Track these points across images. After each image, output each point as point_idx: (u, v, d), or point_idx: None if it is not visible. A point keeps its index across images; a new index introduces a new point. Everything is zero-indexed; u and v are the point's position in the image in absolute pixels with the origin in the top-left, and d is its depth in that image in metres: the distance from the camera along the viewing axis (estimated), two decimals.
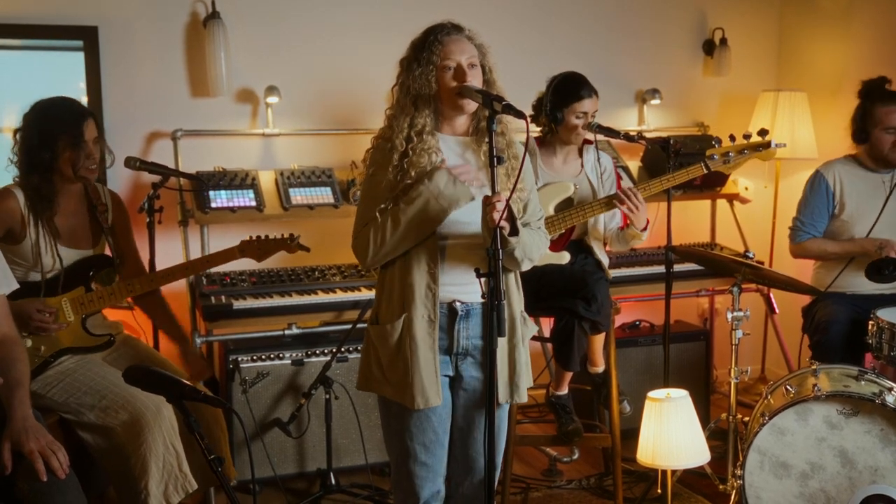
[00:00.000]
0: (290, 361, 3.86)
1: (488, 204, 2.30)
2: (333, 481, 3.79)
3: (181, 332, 3.46)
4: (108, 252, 3.35)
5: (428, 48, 2.43)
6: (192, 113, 4.22)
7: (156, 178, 3.69)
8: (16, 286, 2.72)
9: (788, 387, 3.17)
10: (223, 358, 3.82)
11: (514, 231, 2.37)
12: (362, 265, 2.52)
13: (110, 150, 3.32)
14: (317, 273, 3.98)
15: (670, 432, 3.14)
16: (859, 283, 3.83)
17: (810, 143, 4.76)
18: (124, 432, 2.93)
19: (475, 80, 2.43)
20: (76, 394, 3.01)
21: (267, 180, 4.15)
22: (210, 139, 4.26)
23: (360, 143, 4.25)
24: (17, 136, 3.14)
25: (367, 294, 3.83)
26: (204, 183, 3.95)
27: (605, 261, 3.58)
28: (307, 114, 4.40)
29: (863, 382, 3.15)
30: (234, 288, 3.82)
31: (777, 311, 4.82)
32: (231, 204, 3.98)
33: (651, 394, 3.24)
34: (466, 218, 2.43)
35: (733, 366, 3.40)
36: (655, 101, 4.90)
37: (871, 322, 3.42)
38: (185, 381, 2.26)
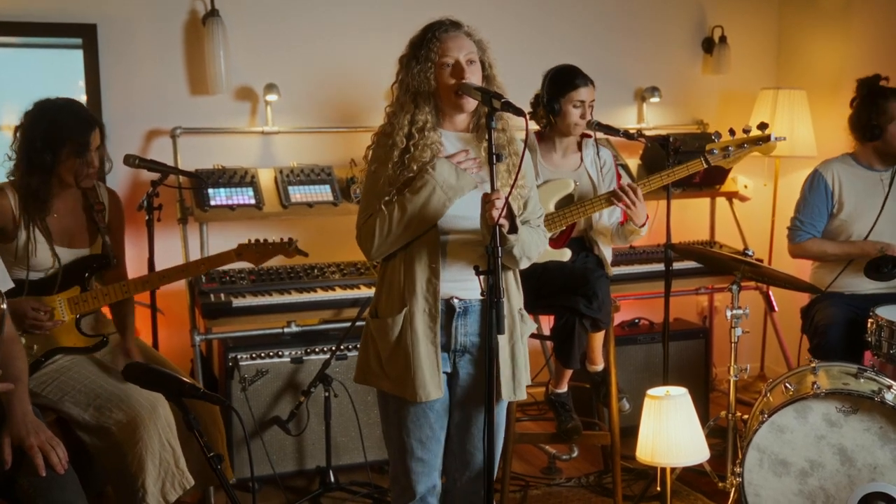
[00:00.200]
0: (289, 359, 3.86)
1: (487, 201, 2.30)
2: (333, 479, 3.79)
3: (129, 328, 3.37)
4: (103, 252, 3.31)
5: (426, 45, 2.43)
6: (191, 111, 4.22)
7: (155, 175, 3.70)
8: (11, 285, 2.73)
9: (788, 385, 3.18)
10: (222, 356, 3.82)
11: (514, 229, 2.37)
12: (367, 256, 2.52)
13: (109, 158, 3.30)
14: (316, 271, 3.98)
15: (669, 430, 3.14)
16: (858, 283, 3.83)
17: (809, 140, 4.76)
18: (120, 431, 2.93)
19: (474, 76, 2.43)
20: (71, 392, 3.01)
21: (266, 178, 4.15)
22: (209, 137, 4.26)
23: (360, 140, 4.27)
24: (18, 134, 3.11)
25: (367, 292, 3.83)
26: (203, 181, 3.94)
27: (609, 257, 3.57)
28: (306, 111, 4.40)
29: (862, 380, 3.15)
30: (234, 286, 3.82)
31: (776, 308, 4.82)
32: (230, 202, 3.98)
33: (650, 391, 3.24)
34: (466, 213, 2.43)
35: (732, 363, 3.40)
36: (655, 99, 4.90)
37: (870, 320, 3.42)
38: (185, 379, 2.26)
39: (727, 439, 3.45)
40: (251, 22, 4.27)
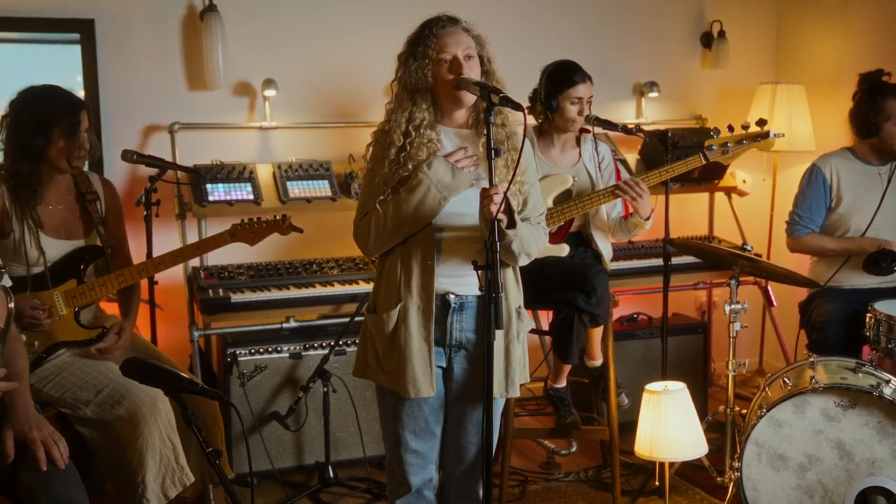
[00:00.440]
0: (287, 355, 3.86)
1: (486, 196, 2.30)
2: (332, 474, 3.79)
3: (132, 313, 3.36)
4: (98, 243, 3.29)
5: (423, 42, 2.43)
6: (189, 106, 4.21)
7: (153, 171, 3.69)
8: (8, 283, 2.72)
9: (786, 379, 3.18)
10: (221, 351, 3.82)
11: (512, 224, 2.37)
12: (364, 253, 2.54)
13: (98, 143, 3.29)
14: (314, 266, 3.98)
15: (668, 425, 3.14)
16: (856, 278, 3.83)
17: (808, 135, 4.76)
18: (121, 426, 2.93)
19: (472, 71, 2.43)
20: (72, 388, 3.01)
21: (264, 173, 4.15)
22: (207, 132, 4.25)
23: (358, 136, 4.26)
24: (6, 123, 3.08)
25: (365, 287, 3.83)
26: (201, 176, 3.94)
27: (608, 252, 3.56)
28: (305, 107, 4.39)
29: (860, 375, 3.15)
30: (232, 281, 3.81)
31: (775, 303, 4.82)
32: (228, 197, 3.98)
33: (649, 386, 3.24)
34: (463, 210, 2.43)
35: (731, 358, 3.40)
36: (653, 94, 4.90)
37: (868, 314, 3.43)
38: (183, 374, 2.26)
39: (726, 434, 3.45)
40: (249, 17, 4.26)
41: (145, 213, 3.66)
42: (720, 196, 4.96)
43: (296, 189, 4.08)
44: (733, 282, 3.37)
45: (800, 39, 5.12)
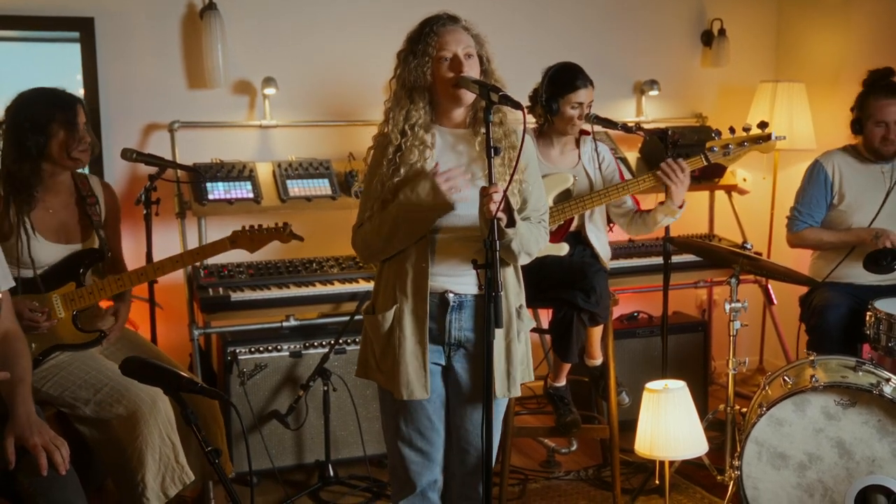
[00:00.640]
0: (287, 353, 3.86)
1: (485, 195, 2.29)
2: (332, 473, 3.79)
3: (126, 296, 3.37)
4: (97, 246, 3.28)
5: (423, 39, 2.43)
6: (189, 104, 4.21)
7: (153, 169, 3.69)
8: (11, 283, 2.71)
9: (786, 378, 3.17)
10: (221, 350, 3.82)
11: (512, 223, 2.36)
12: (362, 261, 2.55)
13: (95, 140, 3.30)
14: (314, 265, 3.98)
15: (668, 423, 3.14)
16: (857, 275, 3.83)
17: (808, 133, 4.75)
18: (120, 425, 2.93)
19: (472, 70, 2.43)
20: (71, 388, 3.00)
21: (264, 172, 4.15)
22: (207, 131, 4.25)
23: (358, 134, 4.26)
24: (4, 126, 3.09)
25: (365, 286, 3.83)
26: (201, 175, 3.94)
27: (605, 252, 3.55)
28: (305, 105, 4.39)
29: (860, 373, 3.15)
30: (232, 280, 3.81)
31: (775, 302, 4.82)
32: (228, 196, 3.97)
33: (649, 385, 3.24)
34: (461, 211, 2.43)
35: (731, 357, 3.40)
36: (654, 93, 4.89)
37: (868, 313, 3.43)
38: (183, 373, 2.26)
39: (726, 432, 3.45)
40: (249, 15, 4.26)
41: (145, 211, 3.66)
42: (720, 194, 4.95)
43: (296, 188, 4.08)
44: (733, 280, 3.37)
45: (800, 37, 5.11)
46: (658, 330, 4.21)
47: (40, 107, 3.08)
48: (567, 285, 3.30)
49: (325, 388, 3.74)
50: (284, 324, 3.85)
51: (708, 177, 4.65)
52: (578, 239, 3.53)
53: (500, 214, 2.29)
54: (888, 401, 3.01)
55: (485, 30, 2.54)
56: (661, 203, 3.44)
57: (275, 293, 3.77)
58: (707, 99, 5.12)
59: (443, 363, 2.56)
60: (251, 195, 4.01)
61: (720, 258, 3.65)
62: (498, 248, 2.26)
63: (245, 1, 4.24)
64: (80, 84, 4.01)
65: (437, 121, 2.51)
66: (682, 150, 3.63)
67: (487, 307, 2.26)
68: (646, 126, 4.07)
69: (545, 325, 3.67)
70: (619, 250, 4.32)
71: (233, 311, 3.71)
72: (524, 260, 2.52)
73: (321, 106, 4.41)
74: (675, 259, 4.06)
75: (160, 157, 3.69)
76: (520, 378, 2.58)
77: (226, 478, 2.24)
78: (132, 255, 3.71)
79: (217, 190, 3.97)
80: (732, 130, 3.48)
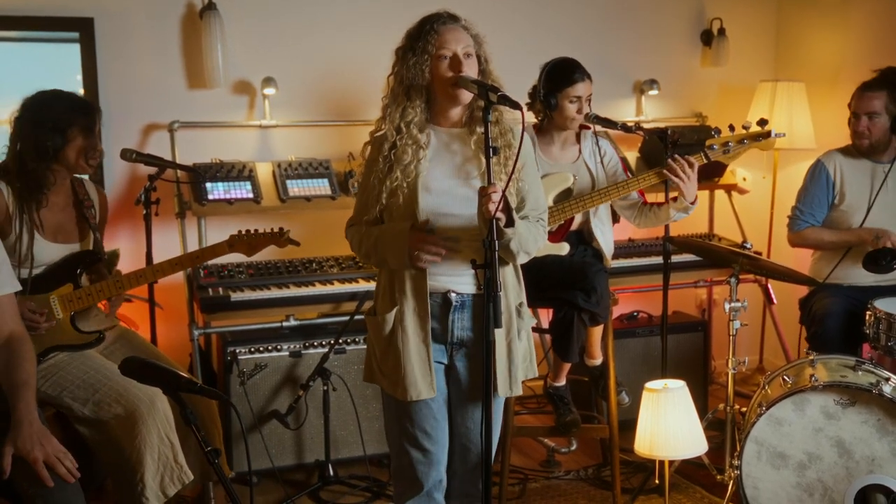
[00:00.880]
0: (287, 353, 3.86)
1: (484, 195, 2.30)
2: (332, 472, 3.79)
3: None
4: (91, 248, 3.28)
5: (423, 37, 2.43)
6: (188, 105, 4.21)
7: (152, 169, 3.69)
8: (18, 287, 2.69)
9: (786, 377, 3.17)
10: (221, 350, 3.82)
11: (510, 222, 2.36)
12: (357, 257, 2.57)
13: (103, 148, 3.31)
14: (314, 265, 3.98)
15: (668, 423, 3.14)
16: (857, 275, 3.82)
17: (808, 133, 4.75)
18: (118, 425, 2.93)
19: (470, 70, 2.43)
20: (69, 388, 3.00)
21: (264, 172, 4.15)
22: (207, 131, 4.25)
23: (358, 134, 4.25)
24: (20, 123, 3.08)
25: (365, 285, 3.83)
26: (201, 175, 3.94)
27: (609, 249, 3.54)
28: (304, 105, 4.39)
29: (860, 373, 3.15)
30: (232, 280, 3.81)
31: (775, 301, 4.82)
32: (228, 196, 3.97)
33: (649, 384, 3.24)
34: (454, 210, 2.44)
35: (731, 356, 3.39)
36: (653, 92, 4.89)
37: (868, 312, 3.42)
38: (182, 374, 2.26)
39: (725, 432, 3.45)
40: (248, 15, 4.26)
41: (145, 211, 3.66)
42: (720, 194, 4.95)
43: (295, 187, 4.08)
44: (733, 280, 3.37)
45: (800, 37, 5.11)
46: (658, 329, 4.21)
47: (63, 109, 3.09)
48: (567, 285, 3.30)
49: (325, 387, 3.74)
50: (284, 324, 3.85)
51: (708, 176, 4.64)
52: (579, 238, 3.53)
53: (499, 214, 2.29)
54: (888, 400, 3.01)
55: (484, 29, 2.54)
56: (674, 199, 3.43)
57: (275, 293, 3.77)
58: (707, 98, 5.12)
59: (445, 362, 2.56)
60: (251, 195, 4.01)
61: (720, 258, 3.65)
62: (497, 248, 2.26)
63: (245, 1, 4.24)
64: (80, 84, 4.01)
65: (432, 119, 2.52)
66: (682, 150, 3.63)
67: (487, 307, 2.26)
68: (645, 126, 4.07)
69: (545, 325, 3.67)
70: (618, 250, 4.30)
71: (233, 311, 3.71)
72: (522, 259, 2.52)
73: (321, 106, 4.41)
74: (675, 258, 4.06)
75: (160, 158, 3.69)
76: (521, 376, 2.58)
77: (225, 478, 2.24)
78: (132, 255, 3.72)
79: (217, 190, 3.97)
80: (732, 128, 3.48)
